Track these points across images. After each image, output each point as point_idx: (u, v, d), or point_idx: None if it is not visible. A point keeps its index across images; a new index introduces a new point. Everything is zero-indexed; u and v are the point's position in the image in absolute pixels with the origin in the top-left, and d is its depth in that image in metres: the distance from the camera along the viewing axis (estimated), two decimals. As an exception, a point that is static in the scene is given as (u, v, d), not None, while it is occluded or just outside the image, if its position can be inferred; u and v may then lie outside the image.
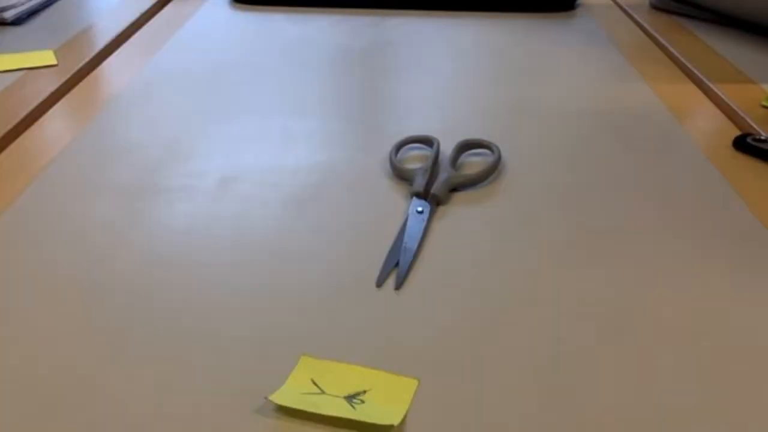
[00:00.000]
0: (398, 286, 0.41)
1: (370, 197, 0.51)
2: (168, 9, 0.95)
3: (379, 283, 0.41)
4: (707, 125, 0.63)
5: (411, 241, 0.45)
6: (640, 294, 0.41)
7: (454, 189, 0.51)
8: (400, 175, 0.53)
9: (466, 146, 0.57)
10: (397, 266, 0.43)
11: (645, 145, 0.59)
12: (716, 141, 0.60)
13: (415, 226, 0.46)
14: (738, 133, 0.60)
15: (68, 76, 0.70)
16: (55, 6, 0.93)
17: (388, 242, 0.45)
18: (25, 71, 0.71)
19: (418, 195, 0.49)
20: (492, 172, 0.53)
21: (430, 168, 0.52)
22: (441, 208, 0.49)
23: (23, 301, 0.40)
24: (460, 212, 0.49)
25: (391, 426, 0.32)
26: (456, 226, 0.47)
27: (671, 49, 0.81)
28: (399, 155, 0.55)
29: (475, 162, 0.56)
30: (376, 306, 0.40)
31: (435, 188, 0.50)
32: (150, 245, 0.45)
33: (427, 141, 0.57)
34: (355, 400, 0.33)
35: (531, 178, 0.53)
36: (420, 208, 0.48)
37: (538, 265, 0.44)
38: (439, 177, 0.51)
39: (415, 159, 0.56)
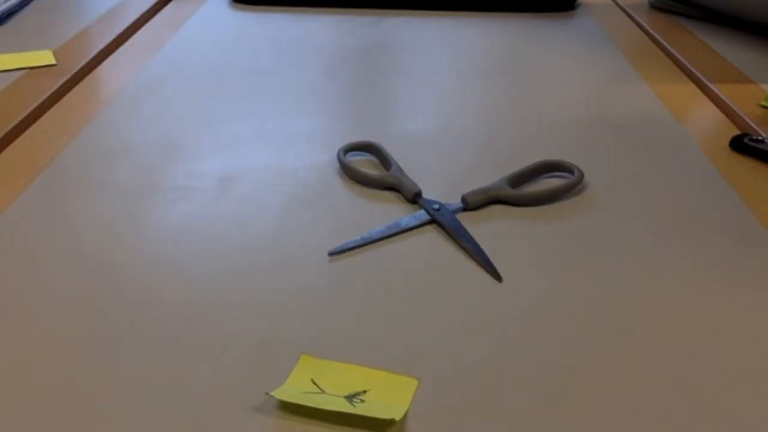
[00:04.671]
0: (500, 279, 0.42)
1: (370, 197, 0.51)
2: (168, 9, 0.95)
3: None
4: (707, 125, 0.63)
5: (464, 235, 0.46)
6: (640, 294, 0.41)
7: (495, 202, 0.50)
8: (372, 182, 0.52)
9: (543, 167, 0.53)
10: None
11: (644, 145, 0.59)
12: (715, 141, 0.60)
13: (446, 220, 0.47)
14: (737, 132, 0.60)
15: (68, 76, 0.70)
16: (54, 6, 0.93)
17: (389, 242, 0.45)
18: (24, 71, 0.71)
19: (419, 195, 0.50)
20: (553, 196, 0.50)
21: (401, 169, 0.52)
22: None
23: (22, 301, 0.40)
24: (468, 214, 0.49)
25: (393, 420, 0.32)
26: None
27: (671, 49, 0.81)
28: (347, 163, 0.53)
29: (543, 182, 0.53)
30: (377, 306, 0.40)
31: (469, 194, 0.49)
32: (150, 245, 0.45)
33: (369, 147, 0.56)
34: (355, 400, 0.33)
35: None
36: (437, 206, 0.48)
37: (538, 265, 0.44)
38: (483, 185, 0.50)
39: (363, 165, 0.54)
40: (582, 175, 0.52)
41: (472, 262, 0.44)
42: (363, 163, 0.55)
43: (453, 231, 0.46)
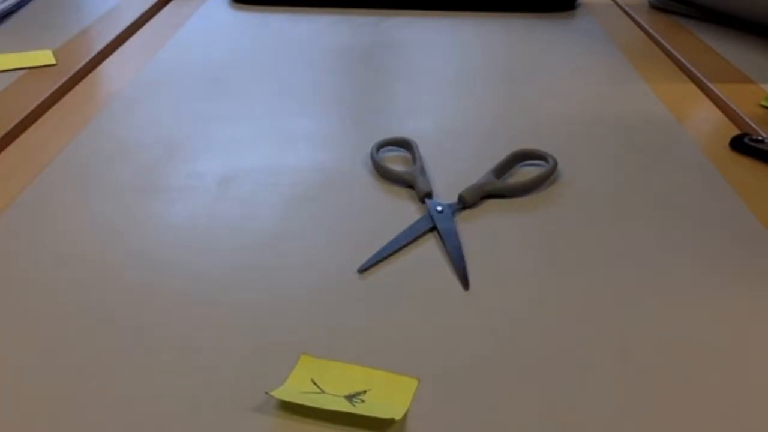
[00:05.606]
0: (467, 287, 0.42)
1: (370, 197, 0.51)
2: (168, 9, 0.95)
3: (361, 270, 0.43)
4: (707, 125, 0.63)
5: (452, 240, 0.45)
6: (639, 294, 0.41)
7: (488, 196, 0.51)
8: (394, 177, 0.52)
9: (519, 156, 0.55)
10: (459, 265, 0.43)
11: (644, 145, 0.59)
12: (716, 141, 0.60)
13: (443, 224, 0.47)
14: (737, 132, 0.60)
15: (68, 76, 0.70)
16: (53, 6, 0.93)
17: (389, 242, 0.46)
18: (24, 71, 0.71)
19: (429, 195, 0.50)
20: (538, 184, 0.52)
21: (423, 168, 0.53)
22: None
23: (22, 301, 0.40)
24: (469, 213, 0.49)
25: (393, 420, 0.32)
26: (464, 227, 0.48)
27: (671, 49, 0.81)
28: (378, 158, 0.54)
29: (524, 171, 0.54)
30: (377, 306, 0.40)
31: (466, 191, 0.49)
32: (149, 245, 0.45)
33: (403, 143, 0.57)
34: (355, 400, 0.33)
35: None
36: (440, 208, 0.48)
37: (538, 266, 0.44)
38: (475, 181, 0.51)
39: (394, 161, 0.55)
40: (556, 162, 0.53)
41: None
42: (393, 158, 0.56)
43: (444, 236, 0.46)
